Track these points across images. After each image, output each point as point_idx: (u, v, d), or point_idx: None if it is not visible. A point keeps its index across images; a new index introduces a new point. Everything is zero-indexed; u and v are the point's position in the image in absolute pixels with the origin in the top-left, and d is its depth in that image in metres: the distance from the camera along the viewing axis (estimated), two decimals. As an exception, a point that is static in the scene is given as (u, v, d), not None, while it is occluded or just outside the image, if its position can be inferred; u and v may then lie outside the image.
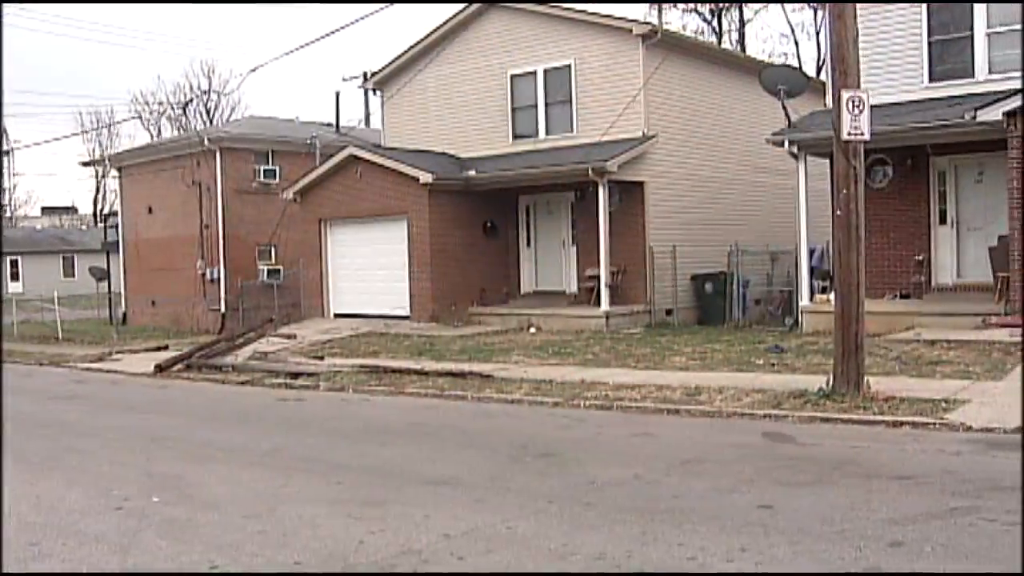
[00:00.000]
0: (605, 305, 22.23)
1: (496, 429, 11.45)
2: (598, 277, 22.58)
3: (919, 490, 7.53)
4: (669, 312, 23.64)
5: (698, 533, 6.56)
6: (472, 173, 24.37)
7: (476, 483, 8.44)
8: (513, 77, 25.62)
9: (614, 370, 15.17)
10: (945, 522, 6.64)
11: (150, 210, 32.18)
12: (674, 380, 13.56)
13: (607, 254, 22.28)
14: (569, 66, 24.58)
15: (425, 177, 23.73)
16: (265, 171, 29.85)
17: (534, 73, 25.25)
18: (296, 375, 16.71)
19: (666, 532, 6.62)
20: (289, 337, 21.65)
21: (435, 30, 26.82)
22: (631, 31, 23.47)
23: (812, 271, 20.00)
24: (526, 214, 26.36)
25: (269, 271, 29.42)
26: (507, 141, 25.70)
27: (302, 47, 38.97)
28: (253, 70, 43.24)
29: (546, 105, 25.19)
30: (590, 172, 21.85)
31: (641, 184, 23.37)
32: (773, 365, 14.70)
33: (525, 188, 25.14)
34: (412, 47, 27.31)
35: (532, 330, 22.32)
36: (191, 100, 55.69)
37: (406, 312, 24.43)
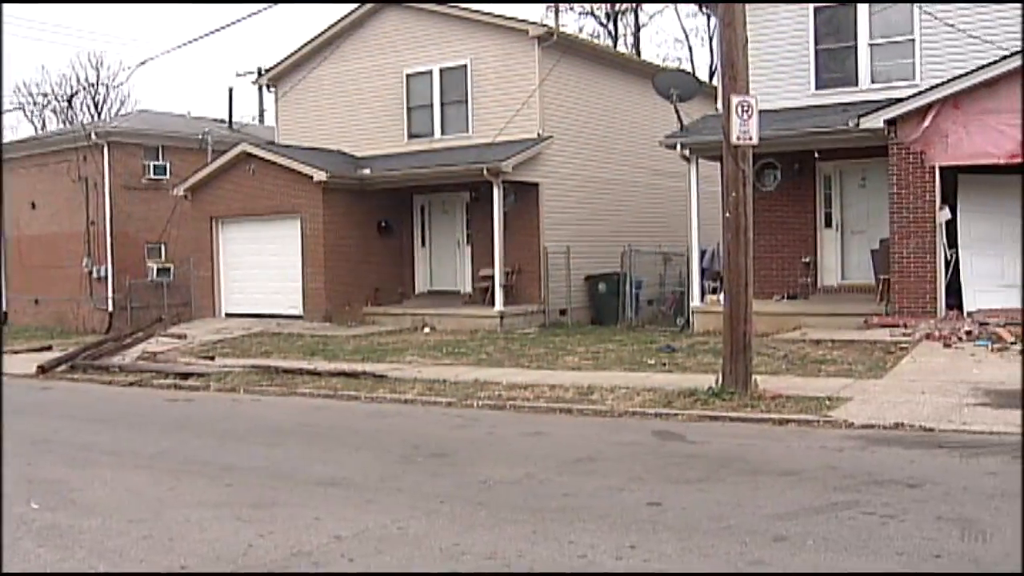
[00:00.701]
0: (499, 305, 22.30)
1: (389, 429, 11.39)
2: (492, 277, 22.64)
3: (803, 485, 7.72)
4: (563, 312, 23.82)
5: (588, 531, 6.62)
6: (367, 172, 24.21)
7: (367, 483, 8.38)
8: (409, 76, 25.53)
9: (508, 370, 15.22)
10: (827, 516, 6.81)
11: (33, 206, 31.14)
12: (567, 380, 13.67)
13: (502, 254, 22.36)
14: (465, 66, 24.60)
15: (319, 175, 23.50)
16: (155, 167, 29.16)
17: (430, 72, 25.20)
18: (186, 376, 16.38)
19: (557, 530, 6.66)
20: (179, 337, 21.22)
21: (331, 27, 26.56)
22: (527, 32, 23.60)
23: (703, 272, 20.38)
24: (421, 214, 26.31)
25: (159, 270, 28.78)
26: (402, 140, 25.59)
27: (194, 41, 38.53)
28: (143, 63, 42.23)
29: (442, 105, 25.16)
30: (485, 172, 21.90)
31: (536, 185, 23.51)
32: (664, 365, 14.92)
33: (420, 187, 25.09)
34: (307, 44, 27.00)
35: (426, 330, 22.27)
36: (77, 92, 54.10)
37: (299, 312, 24.16)
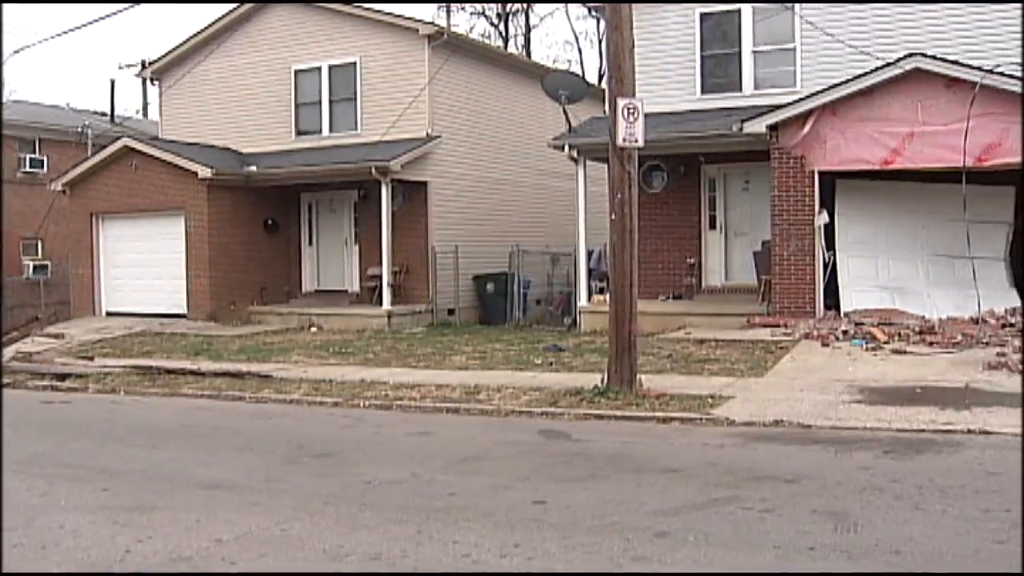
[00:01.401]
0: (387, 304, 22.20)
1: (273, 430, 11.23)
2: (380, 276, 22.53)
3: (685, 482, 7.87)
4: (451, 312, 23.81)
5: (473, 530, 6.63)
6: (253, 169, 23.84)
7: (250, 485, 8.25)
8: (297, 72, 25.21)
9: (395, 369, 15.16)
10: (707, 512, 6.95)
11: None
12: (454, 379, 13.68)
13: (390, 254, 22.26)
14: (355, 63, 24.41)
15: (204, 171, 23.05)
16: (31, 160, 28.27)
17: (319, 69, 24.93)
18: (63, 376, 15.88)
19: (442, 530, 6.66)
20: (57, 337, 20.53)
21: (217, 20, 26.04)
22: (417, 31, 23.53)
23: (590, 272, 20.60)
24: (308, 212, 26.00)
25: (35, 267, 27.90)
26: (290, 137, 25.26)
27: (74, 30, 37.26)
28: (17, 51, 40.85)
29: (331, 102, 24.91)
30: (373, 171, 21.77)
31: (425, 184, 23.46)
32: (551, 364, 15.04)
33: (308, 185, 24.81)
34: (193, 37, 26.40)
35: (313, 329, 22.03)
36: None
37: (183, 311, 23.65)
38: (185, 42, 26.48)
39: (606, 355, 12.41)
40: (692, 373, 13.50)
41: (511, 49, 45.57)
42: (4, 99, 24.75)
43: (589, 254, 20.65)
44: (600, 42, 47.36)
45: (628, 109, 11.57)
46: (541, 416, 11.18)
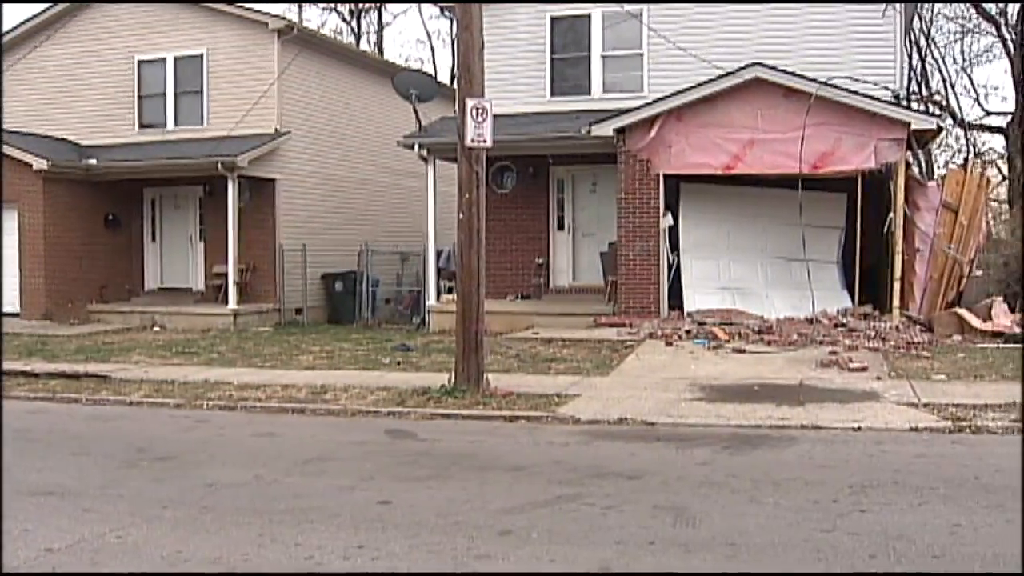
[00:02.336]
0: (233, 303, 21.73)
1: (111, 433, 10.85)
2: (226, 275, 22.03)
3: (529, 480, 7.94)
4: (299, 311, 23.47)
5: (317, 532, 6.55)
6: (93, 162, 22.97)
7: (85, 491, 7.94)
8: (141, 63, 24.41)
9: (240, 369, 14.84)
10: (551, 509, 7.04)
11: None
12: (300, 379, 13.47)
13: (236, 251, 21.79)
14: (201, 56, 23.79)
15: (39, 164, 22.09)
16: None
17: (164, 60, 24.20)
18: None
19: (284, 533, 6.55)
20: None
21: (54, 3, 24.94)
22: (267, 25, 23.08)
23: (439, 272, 20.61)
24: (152, 208, 25.20)
25: None
26: (133, 130, 24.44)
27: None
28: None
29: (176, 95, 24.21)
30: (220, 167, 21.26)
31: (273, 181, 23.06)
32: (399, 363, 14.97)
33: (151, 180, 24.03)
34: (27, 21, 25.12)
35: (156, 329, 21.40)
36: None
37: (16, 309, 22.60)
38: (19, 26, 25.21)
39: (454, 354, 12.43)
40: (539, 372, 13.65)
41: (363, 46, 45.17)
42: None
43: (439, 253, 20.66)
44: (452, 42, 47.42)
45: (477, 109, 11.61)
46: (388, 416, 11.12)
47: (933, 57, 36.46)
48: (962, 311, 17.06)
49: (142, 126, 24.43)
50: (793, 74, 17.29)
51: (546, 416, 10.66)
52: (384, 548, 6.19)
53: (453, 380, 11.89)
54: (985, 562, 5.77)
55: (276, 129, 22.91)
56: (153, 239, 25.17)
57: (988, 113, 37.22)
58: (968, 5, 34.89)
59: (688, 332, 16.36)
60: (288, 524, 6.75)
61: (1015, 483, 7.60)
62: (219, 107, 23.47)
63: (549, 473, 8.15)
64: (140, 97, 24.49)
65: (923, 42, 35.75)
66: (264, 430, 10.54)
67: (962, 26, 36.01)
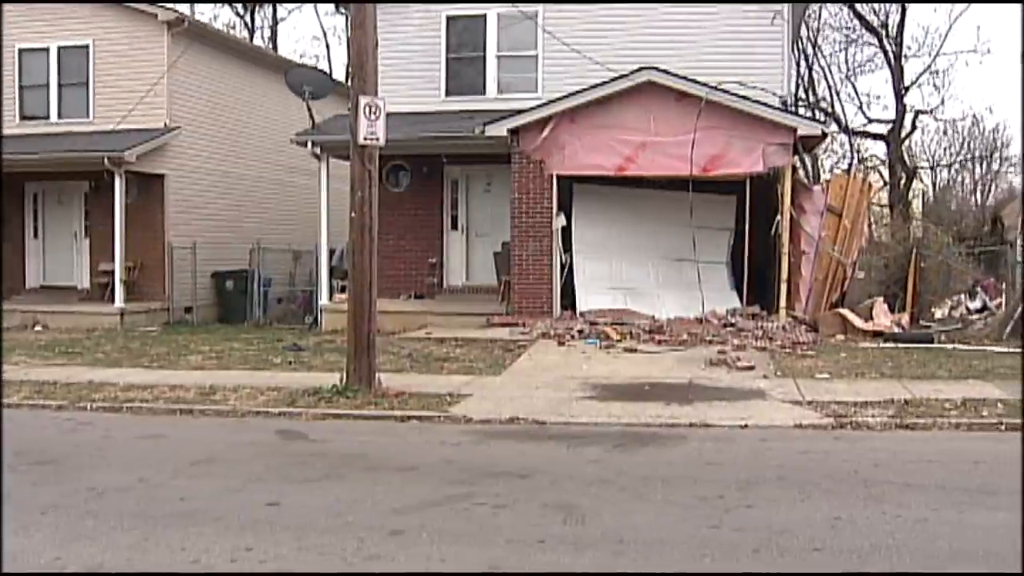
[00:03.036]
0: (120, 302, 21.17)
1: (-12, 435, 10.48)
2: (113, 273, 21.46)
3: (421, 480, 7.93)
4: (189, 310, 23.00)
5: (203, 535, 6.43)
6: (-31, 154, 22.15)
7: (-42, 496, 7.66)
8: (22, 52, 23.54)
9: (126, 370, 14.47)
10: (442, 509, 7.04)
11: None
12: (189, 380, 13.19)
13: (123, 249, 21.22)
14: (87, 46, 23.07)
15: (-93, 154, 21.23)
16: None
17: (47, 50, 23.38)
18: None
19: (169, 536, 6.41)
20: None
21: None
22: (156, 16, 22.49)
23: (332, 271, 20.40)
24: (34, 203, 24.39)
25: None
26: (14, 122, 23.56)
27: None
28: None
29: (60, 86, 23.44)
30: (106, 161, 20.68)
31: (162, 177, 22.55)
32: (291, 363, 14.79)
33: (33, 174, 23.20)
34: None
35: (38, 328, 20.72)
36: None
37: None
38: None
39: (346, 354, 12.32)
40: (432, 372, 13.62)
41: (257, 41, 44.46)
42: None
43: (332, 252, 20.46)
44: (348, 39, 46.89)
45: (370, 107, 11.54)
46: (279, 416, 10.97)
47: (820, 65, 37.55)
48: (845, 311, 17.58)
49: (24, 118, 23.61)
50: (685, 78, 17.57)
51: (438, 416, 10.65)
52: (272, 550, 6.12)
53: (345, 380, 11.79)
54: (863, 554, 5.96)
55: (166, 124, 22.40)
56: (35, 235, 24.37)
57: (871, 121, 38.45)
58: (852, 16, 35.96)
59: (580, 332, 16.51)
60: (173, 528, 6.61)
61: (893, 477, 7.89)
62: (106, 100, 22.82)
63: (440, 473, 8.14)
64: (22, 87, 23.65)
65: (810, 50, 36.78)
66: (150, 432, 10.30)
67: (847, 36, 37.15)
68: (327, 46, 57.59)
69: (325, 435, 9.94)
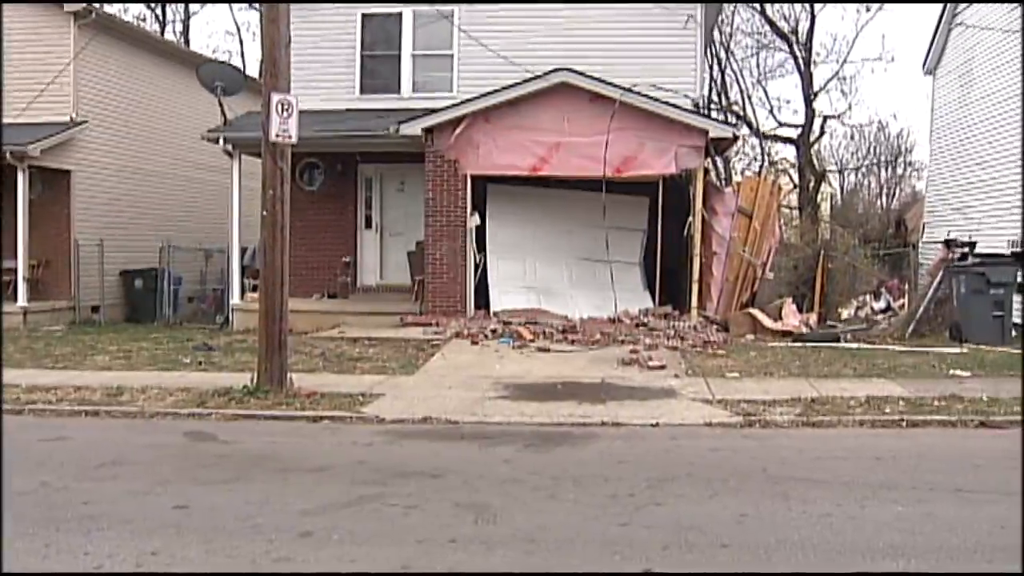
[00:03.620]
0: (23, 301, 20.61)
1: None
2: (16, 270, 20.88)
3: (332, 481, 7.86)
4: (96, 309, 22.48)
5: (108, 540, 6.28)
6: None
7: None
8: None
9: (29, 371, 14.07)
10: (353, 509, 7.00)
11: None
12: (95, 380, 12.88)
13: (26, 246, 20.67)
14: (-11, 37, 22.43)
15: None
16: None
17: (-56, 41, 22.70)
18: None
19: (73, 542, 6.26)
20: None
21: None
22: (62, 7, 21.90)
23: (244, 269, 20.14)
24: (-68, 198, 23.65)
25: None
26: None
27: None
28: None
29: (-41, 77, 22.76)
30: (8, 156, 20.12)
31: (68, 172, 22.01)
32: (201, 363, 14.55)
33: (-70, 169, 22.55)
34: None
35: (-65, 328, 20.10)
36: None
37: None
38: None
39: (257, 354, 12.16)
40: (344, 372, 13.52)
41: (168, 36, 43.62)
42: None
43: (244, 251, 20.20)
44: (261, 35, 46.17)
45: (282, 104, 11.41)
46: (188, 417, 10.79)
47: (732, 69, 38.16)
48: (755, 311, 17.89)
49: (-78, 110, 22.85)
50: (599, 80, 17.71)
51: (350, 416, 10.58)
52: (179, 554, 6.01)
53: (256, 380, 11.64)
54: (769, 548, 6.07)
55: (72, 118, 21.87)
56: (-67, 232, 23.62)
57: (781, 124, 39.20)
58: (764, 22, 36.62)
59: (494, 331, 16.54)
60: (77, 532, 6.45)
61: (799, 474, 8.05)
62: (9, 92, 22.17)
63: (352, 473, 8.09)
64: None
65: (723, 55, 37.35)
66: (54, 434, 10.03)
67: (758, 41, 37.81)
68: (241, 42, 56.97)
69: (235, 436, 9.79)
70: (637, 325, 17.23)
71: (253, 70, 41.02)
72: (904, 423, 10.22)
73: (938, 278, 18.16)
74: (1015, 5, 19.43)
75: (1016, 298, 17.23)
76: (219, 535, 6.37)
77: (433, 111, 18.08)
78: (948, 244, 19.10)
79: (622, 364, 13.94)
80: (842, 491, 7.48)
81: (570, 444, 9.30)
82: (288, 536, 6.34)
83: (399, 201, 20.99)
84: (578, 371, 13.47)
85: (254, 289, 19.48)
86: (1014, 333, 16.97)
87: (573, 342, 15.96)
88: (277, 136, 11.39)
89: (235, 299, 19.58)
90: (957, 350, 15.59)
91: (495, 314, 17.90)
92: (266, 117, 11.44)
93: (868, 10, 43.23)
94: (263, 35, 12.06)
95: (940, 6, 23.65)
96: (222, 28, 71.92)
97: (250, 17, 53.48)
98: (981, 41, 21.23)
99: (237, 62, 42.99)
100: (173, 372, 13.76)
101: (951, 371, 13.47)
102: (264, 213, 11.58)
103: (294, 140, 11.58)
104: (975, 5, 21.84)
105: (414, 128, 17.86)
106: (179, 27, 47.19)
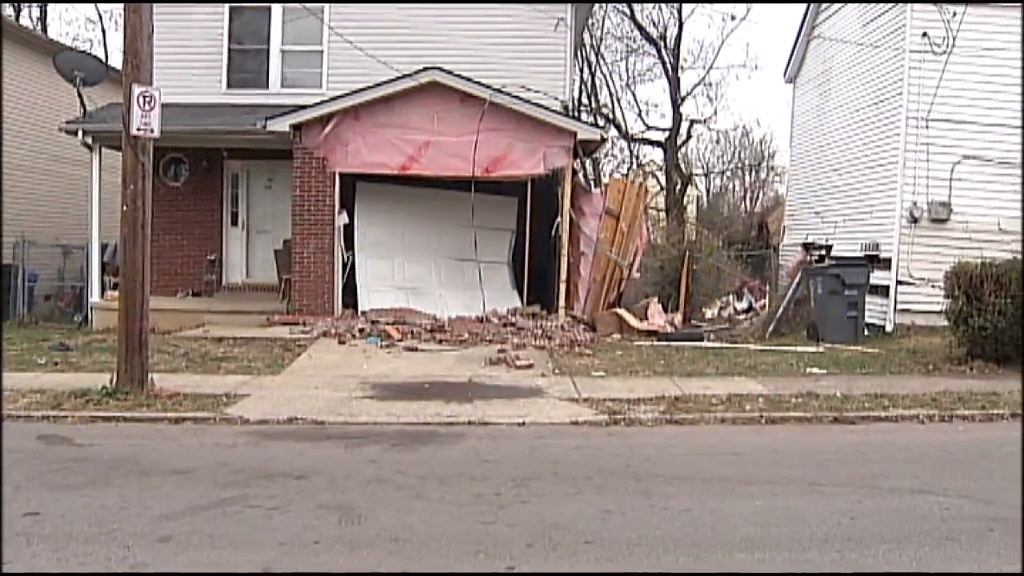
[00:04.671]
0: None
1: None
2: None
3: (193, 484, 7.69)
4: (-57, 307, 21.52)
5: (-50, 551, 6.04)
6: None
7: None
8: None
9: None
10: (214, 512, 6.86)
11: None
12: (-60, 382, 12.34)
13: None
14: None
15: None
16: None
17: None
18: None
19: (-88, 550, 6.00)
20: None
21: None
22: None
23: (104, 267, 19.51)
24: None
25: None
26: None
27: None
28: None
29: None
30: None
31: (-86, 164, 21.02)
32: (57, 364, 14.03)
33: None
34: None
35: None
36: None
37: None
38: None
39: (118, 354, 11.81)
40: (208, 372, 13.23)
41: (24, 21, 42.00)
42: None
43: (104, 247, 19.57)
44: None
45: (144, 97, 11.11)
46: (42, 420, 10.37)
47: (602, 73, 38.68)
48: (622, 311, 18.20)
49: None
50: (469, 80, 17.75)
51: (213, 417, 10.36)
52: (30, 563, 5.82)
53: (116, 381, 11.29)
54: (631, 544, 6.20)
55: (-82, 107, 20.92)
56: None
57: (649, 128, 39.89)
58: (633, 27, 37.23)
59: (362, 331, 16.43)
60: (-86, 544, 6.18)
61: (661, 470, 8.23)
62: None
63: (214, 476, 7.93)
64: None
65: (593, 58, 37.82)
66: None
67: (628, 46, 38.40)
68: (103, 30, 54.69)
69: (92, 439, 9.48)
70: (505, 325, 17.33)
71: (116, 60, 39.86)
72: (763, 420, 10.54)
73: (797, 280, 18.78)
74: (870, 19, 20.22)
75: (869, 299, 17.93)
76: (72, 542, 6.17)
77: (302, 107, 17.84)
78: (806, 247, 19.79)
79: (490, 363, 14.00)
80: (703, 487, 7.68)
81: (437, 443, 9.30)
82: (145, 541, 6.19)
83: (266, 198, 20.66)
84: (446, 370, 13.48)
85: (115, 287, 18.90)
86: (867, 332, 17.68)
87: (441, 341, 15.96)
88: (139, 129, 11.08)
89: (95, 297, 18.95)
90: (814, 349, 16.15)
91: (363, 313, 17.78)
92: (127, 110, 11.11)
93: (733, 19, 44.36)
94: (125, 24, 11.68)
95: (800, 17, 24.45)
96: (83, 15, 69.39)
97: (112, 4, 51.88)
98: (838, 53, 22.03)
99: (99, 51, 41.73)
100: (27, 373, 13.22)
101: (808, 369, 13.95)
102: (124, 209, 11.24)
103: (156, 134, 11.28)
104: (832, 18, 22.65)
105: (282, 124, 17.60)
106: (36, 13, 45.48)
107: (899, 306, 18.40)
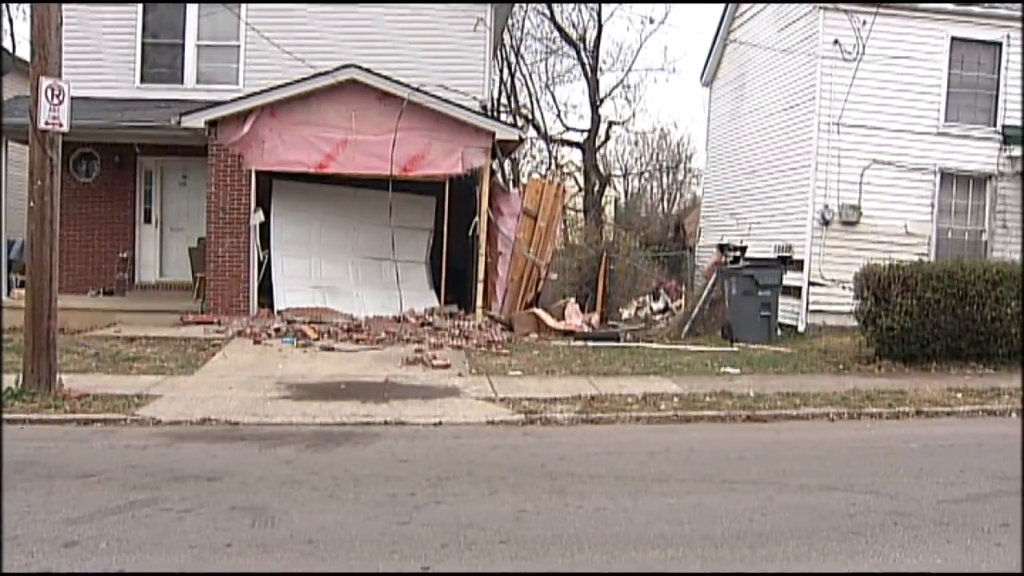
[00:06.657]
0: None
1: None
2: None
3: (101, 487, 7.53)
4: None
5: None
6: None
7: None
8: None
9: None
10: (123, 516, 6.73)
11: None
12: None
13: None
14: None
15: None
16: None
17: None
18: None
19: None
20: None
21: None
22: None
23: (11, 264, 19.03)
24: None
25: None
26: None
27: None
28: None
29: None
30: None
31: None
32: (-41, 364, 13.66)
33: None
34: None
35: None
36: None
37: None
38: None
39: (23, 354, 11.52)
40: (119, 372, 12.95)
41: (-75, 12, 40.74)
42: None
43: (11, 244, 19.09)
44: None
45: (52, 90, 10.84)
46: (-57, 422, 10.11)
47: (522, 73, 38.75)
48: (539, 311, 18.28)
49: None
50: (388, 78, 17.67)
51: (124, 418, 10.16)
52: (-73, 568, 5.65)
53: (21, 382, 11.00)
54: (546, 543, 6.24)
55: None
56: None
57: (568, 129, 40.11)
58: (553, 28, 37.41)
59: (278, 330, 16.25)
60: None
61: (577, 469, 8.28)
62: None
63: (123, 478, 7.78)
64: None
65: (513, 59, 37.89)
66: None
67: (548, 47, 38.54)
68: (10, 20, 53.20)
69: (-4, 441, 9.25)
70: (423, 324, 17.29)
71: (23, 51, 38.88)
72: (677, 418, 10.69)
73: (712, 280, 19.06)
74: (784, 25, 20.60)
75: (782, 300, 18.26)
76: (-28, 549, 6.02)
77: (218, 104, 17.59)
78: (722, 248, 20.09)
79: (407, 363, 13.96)
80: (617, 485, 7.75)
81: (352, 444, 9.24)
82: (51, 547, 6.05)
83: (181, 195, 20.30)
84: (362, 370, 13.40)
85: (21, 285, 18.44)
86: (780, 332, 18.00)
87: (358, 341, 15.87)
88: (47, 123, 10.81)
89: (2, 296, 18.46)
90: (728, 349, 16.41)
91: (279, 313, 17.59)
92: (35, 103, 10.83)
93: (652, 22, 44.81)
94: (32, 15, 11.39)
95: (718, 21, 24.81)
96: (-9, 7, 67.49)
97: (21, -4, 50.52)
98: (753, 58, 22.40)
99: (5, 41, 40.61)
100: (-72, 373, 12.86)
101: (722, 369, 14.16)
102: (31, 205, 10.95)
103: (65, 128, 11.02)
104: (749, 23, 23.03)
105: (197, 120, 17.33)
106: (-61, 2, 44.13)
107: (811, 307, 18.80)
